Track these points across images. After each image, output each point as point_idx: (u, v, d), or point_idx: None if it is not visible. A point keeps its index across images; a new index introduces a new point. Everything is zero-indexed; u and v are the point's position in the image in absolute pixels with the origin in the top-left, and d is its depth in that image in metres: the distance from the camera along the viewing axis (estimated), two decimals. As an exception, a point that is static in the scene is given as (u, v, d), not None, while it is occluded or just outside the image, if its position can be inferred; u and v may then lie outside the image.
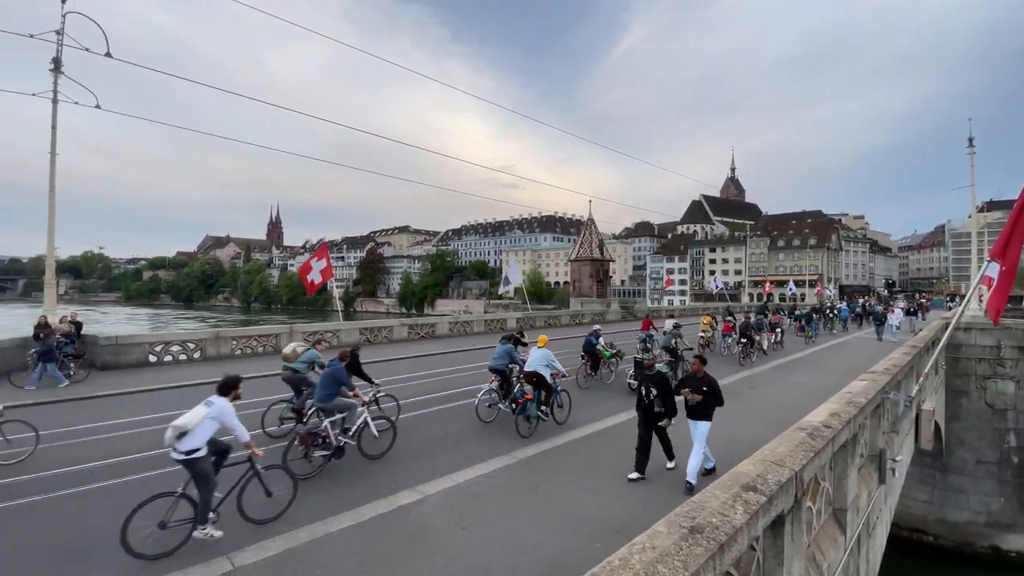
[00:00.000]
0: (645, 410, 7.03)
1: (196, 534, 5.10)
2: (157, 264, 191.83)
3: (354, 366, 8.84)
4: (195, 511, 5.11)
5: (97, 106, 15.45)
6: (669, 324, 15.45)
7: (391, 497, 6.35)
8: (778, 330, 21.21)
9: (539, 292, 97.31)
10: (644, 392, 7.07)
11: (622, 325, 32.93)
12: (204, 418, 5.17)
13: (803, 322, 24.53)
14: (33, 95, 15.62)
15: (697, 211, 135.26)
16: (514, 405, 9.12)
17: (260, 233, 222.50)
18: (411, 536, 5.43)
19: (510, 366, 9.90)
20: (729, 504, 3.33)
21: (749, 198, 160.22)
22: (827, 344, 23.42)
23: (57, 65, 15.76)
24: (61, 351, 13.93)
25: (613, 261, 60.51)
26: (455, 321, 26.86)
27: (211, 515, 5.21)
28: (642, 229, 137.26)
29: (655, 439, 7.05)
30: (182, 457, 5.07)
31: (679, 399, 6.97)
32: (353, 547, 5.19)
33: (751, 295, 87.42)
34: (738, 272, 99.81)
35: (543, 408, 9.19)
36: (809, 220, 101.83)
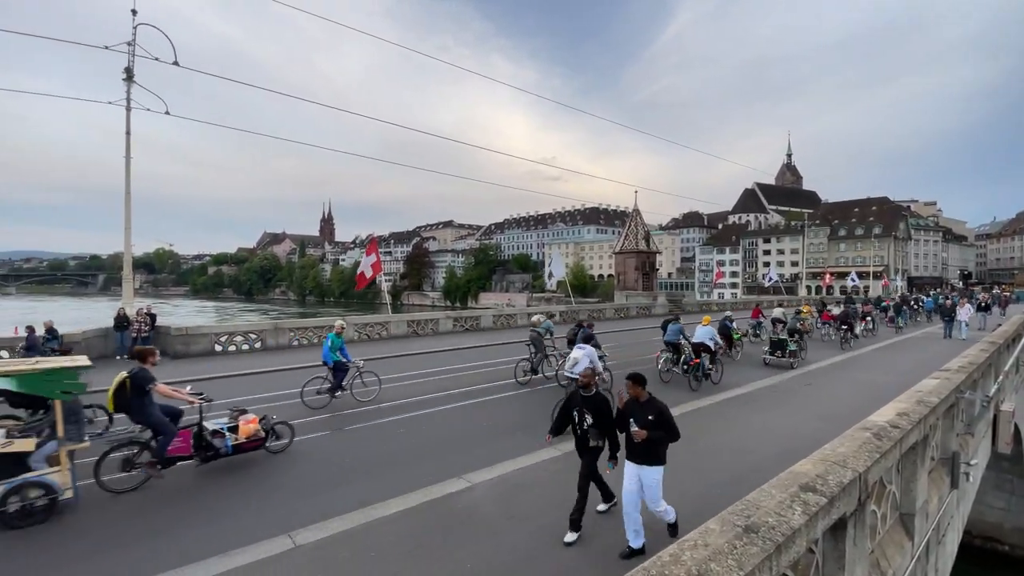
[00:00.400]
0: (579, 443, 5.48)
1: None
2: (220, 260, 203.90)
3: None
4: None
5: (167, 112, 16.49)
6: (778, 311, 18.79)
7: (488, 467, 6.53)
8: (868, 318, 23.44)
9: (582, 285, 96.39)
10: (577, 420, 5.42)
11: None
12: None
13: (893, 312, 26.55)
14: (108, 103, 16.92)
15: (750, 200, 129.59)
16: (686, 367, 12.38)
17: (314, 229, 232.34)
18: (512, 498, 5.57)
19: (682, 341, 12.93)
20: (787, 504, 3.21)
21: (807, 185, 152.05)
22: (914, 333, 25.01)
23: (129, 74, 16.95)
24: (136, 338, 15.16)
25: (659, 253, 58.97)
26: (499, 314, 27.12)
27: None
28: (690, 220, 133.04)
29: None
30: None
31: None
32: (402, 530, 5.40)
33: (808, 287, 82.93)
34: (795, 263, 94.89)
35: (709, 368, 12.36)
36: (874, 207, 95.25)
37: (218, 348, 17.48)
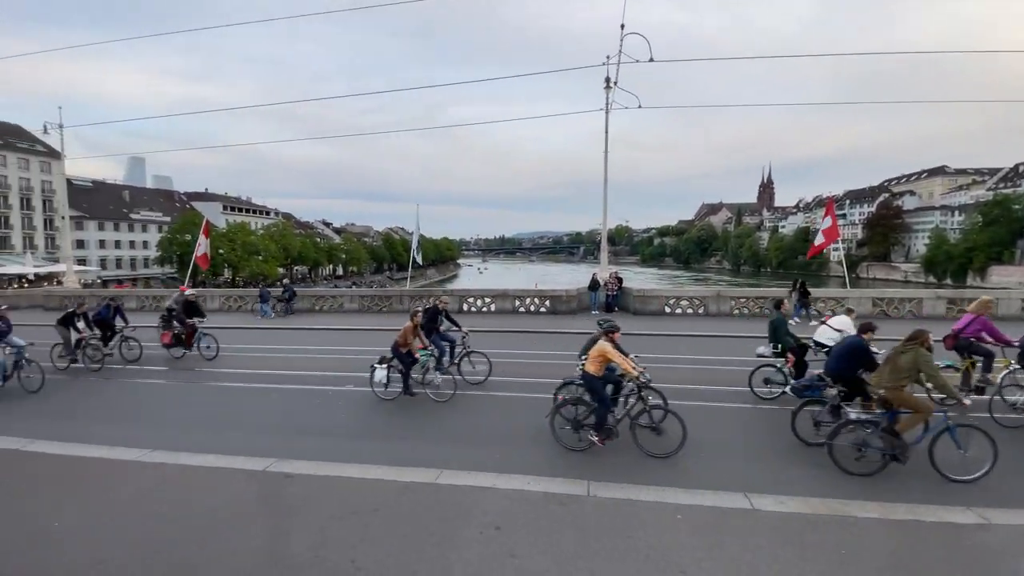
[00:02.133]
0: None
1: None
2: (663, 232, 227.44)
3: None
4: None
5: (639, 106, 19.28)
6: None
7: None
8: None
9: None
10: None
11: None
12: None
13: None
14: (588, 112, 21.35)
15: None
16: None
17: (751, 196, 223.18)
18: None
19: None
20: None
21: None
22: None
23: (609, 83, 20.77)
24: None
25: None
26: (1038, 297, 18.44)
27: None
28: None
29: None
30: None
31: None
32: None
33: None
34: None
35: None
36: None
37: (667, 310, 19.70)
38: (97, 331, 12.24)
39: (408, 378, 9.21)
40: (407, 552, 4.50)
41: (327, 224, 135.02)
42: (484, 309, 21.52)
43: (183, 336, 12.84)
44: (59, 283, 37.65)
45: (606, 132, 21.27)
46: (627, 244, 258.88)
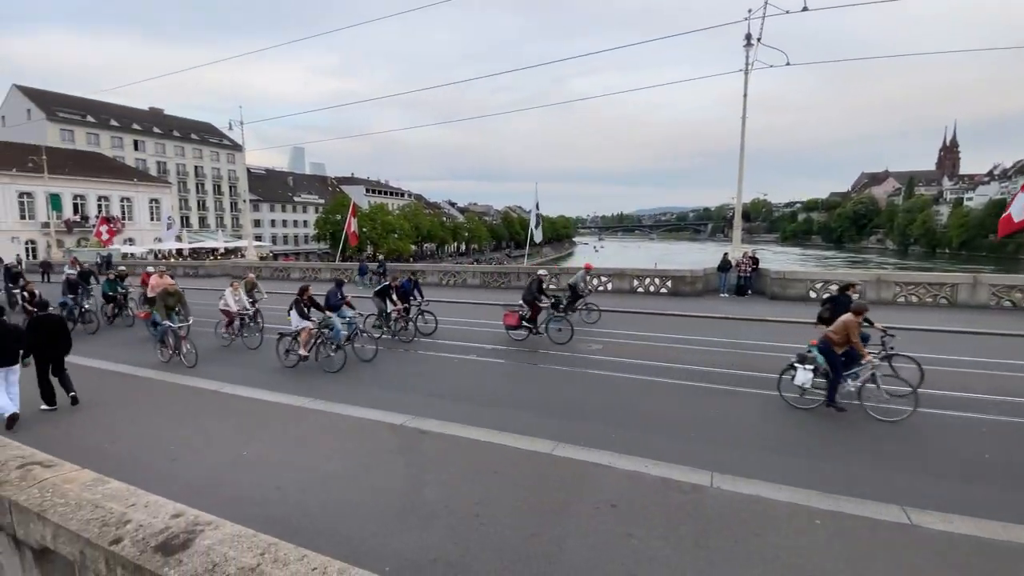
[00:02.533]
0: None
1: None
2: (810, 206, 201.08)
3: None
4: None
5: (787, 63, 17.18)
6: None
7: None
8: None
9: None
10: None
11: None
12: None
13: None
14: (723, 75, 19.39)
15: None
16: None
17: (928, 163, 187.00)
18: None
19: None
20: None
21: None
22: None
23: (750, 39, 18.69)
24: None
25: None
26: None
27: None
28: None
29: None
30: None
31: None
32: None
33: None
34: None
35: None
36: None
37: (812, 295, 17.60)
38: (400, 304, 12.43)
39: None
40: (525, 515, 4.75)
41: (452, 204, 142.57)
42: (600, 288, 21.23)
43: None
44: (242, 256, 45.09)
45: (744, 95, 19.29)
46: (764, 220, 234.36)
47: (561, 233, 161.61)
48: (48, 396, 7.80)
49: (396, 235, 78.14)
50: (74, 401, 7.96)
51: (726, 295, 18.76)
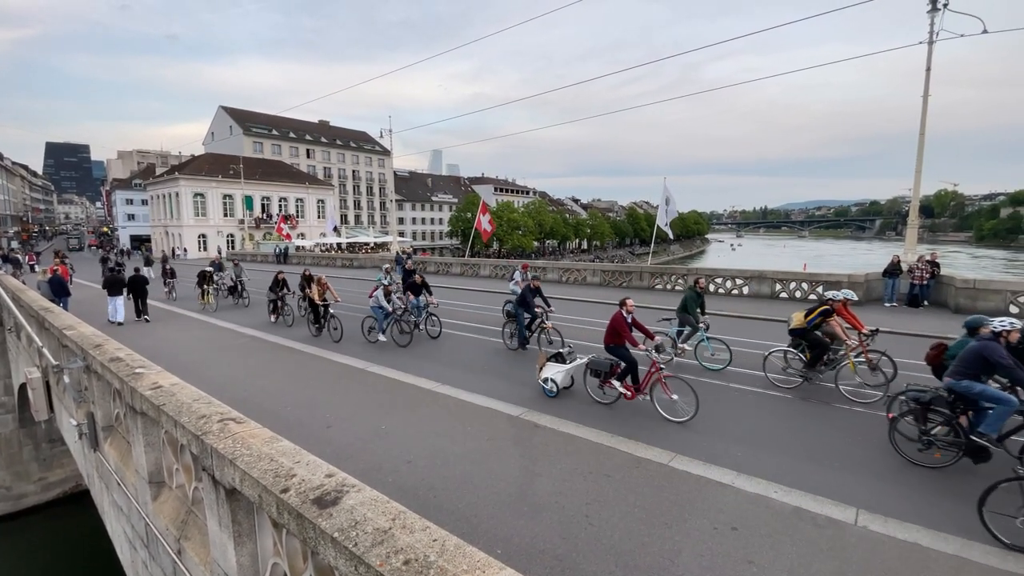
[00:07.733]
0: None
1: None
2: (1017, 199, 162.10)
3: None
4: None
5: (984, 31, 14.26)
6: None
7: None
8: None
9: None
10: None
11: None
12: None
13: None
14: (909, 46, 16.47)
15: None
16: None
17: None
18: None
19: None
20: None
21: None
22: None
23: (936, 4, 15.71)
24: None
25: None
26: None
27: None
28: None
29: None
30: None
31: None
32: None
33: None
34: None
35: None
36: None
37: (1014, 309, 14.32)
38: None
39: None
40: (636, 523, 4.69)
41: (576, 200, 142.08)
42: (735, 292, 19.55)
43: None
44: (388, 250, 50.18)
45: (927, 71, 16.27)
46: (952, 216, 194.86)
47: (692, 229, 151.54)
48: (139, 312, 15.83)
49: (520, 232, 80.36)
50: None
51: (892, 304, 16.08)
